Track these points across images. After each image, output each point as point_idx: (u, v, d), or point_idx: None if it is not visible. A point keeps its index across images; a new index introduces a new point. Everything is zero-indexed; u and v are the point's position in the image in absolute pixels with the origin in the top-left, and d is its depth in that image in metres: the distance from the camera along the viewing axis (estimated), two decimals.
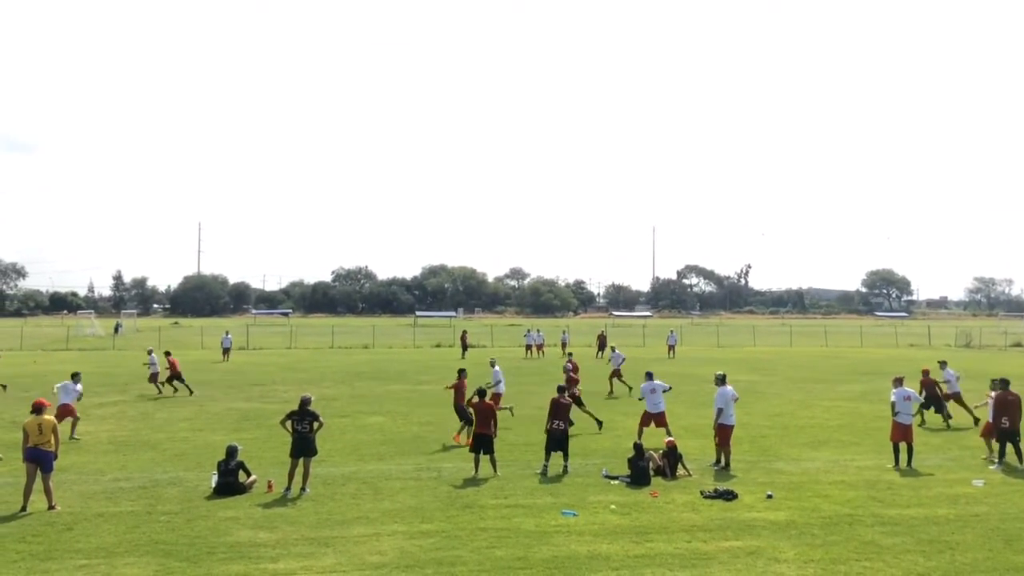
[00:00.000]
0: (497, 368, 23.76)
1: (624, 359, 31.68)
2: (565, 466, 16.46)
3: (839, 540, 12.08)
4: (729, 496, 14.49)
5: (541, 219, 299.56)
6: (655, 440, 18.06)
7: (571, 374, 25.08)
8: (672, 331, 55.96)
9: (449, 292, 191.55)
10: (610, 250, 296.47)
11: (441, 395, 29.49)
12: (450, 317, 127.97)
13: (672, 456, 16.32)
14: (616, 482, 15.66)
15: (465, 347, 51.67)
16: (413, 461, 17.72)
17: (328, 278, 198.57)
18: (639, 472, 15.64)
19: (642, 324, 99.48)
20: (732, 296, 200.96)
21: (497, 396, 22.63)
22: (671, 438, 17.14)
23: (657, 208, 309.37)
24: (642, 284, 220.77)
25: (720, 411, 16.86)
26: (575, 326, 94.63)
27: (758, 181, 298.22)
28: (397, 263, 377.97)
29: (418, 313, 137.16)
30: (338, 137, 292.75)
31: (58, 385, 21.22)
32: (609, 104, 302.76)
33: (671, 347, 52.14)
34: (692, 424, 22.50)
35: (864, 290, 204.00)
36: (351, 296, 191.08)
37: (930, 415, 23.28)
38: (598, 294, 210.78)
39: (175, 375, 29.82)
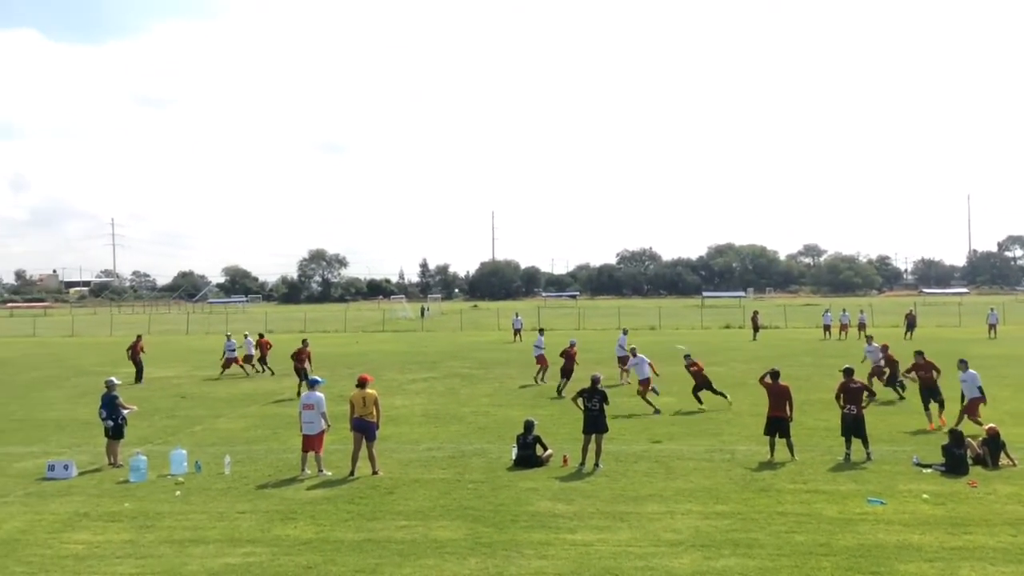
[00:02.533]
0: (641, 355, 22.82)
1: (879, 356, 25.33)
2: (867, 452, 15.57)
3: None
4: None
5: (838, 190, 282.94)
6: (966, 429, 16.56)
7: (879, 364, 23.91)
8: (992, 309, 50.63)
9: (737, 271, 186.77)
10: (918, 222, 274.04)
11: (733, 376, 28.97)
12: (739, 297, 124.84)
13: (994, 444, 14.88)
14: (929, 471, 14.55)
15: (756, 328, 50.19)
16: (705, 442, 17.60)
17: (613, 260, 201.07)
18: (955, 460, 14.43)
19: (957, 302, 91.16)
20: None
21: (644, 382, 22.03)
22: (992, 425, 15.63)
23: (972, 173, 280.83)
24: (956, 258, 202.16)
25: None
26: (879, 305, 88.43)
27: None
28: (682, 243, 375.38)
29: (705, 294, 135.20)
30: (620, 120, 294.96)
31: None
32: (910, 58, 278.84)
33: (991, 327, 47.34)
34: (1017, 409, 20.38)
35: None
36: (636, 278, 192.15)
37: None
38: (905, 270, 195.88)
39: (263, 357, 32.40)
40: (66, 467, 15.32)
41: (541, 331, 31.56)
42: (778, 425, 15.67)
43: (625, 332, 30.65)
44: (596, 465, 15.12)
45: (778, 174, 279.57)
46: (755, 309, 58.35)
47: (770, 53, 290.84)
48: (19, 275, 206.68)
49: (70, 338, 62.44)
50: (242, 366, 32.86)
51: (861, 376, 17.84)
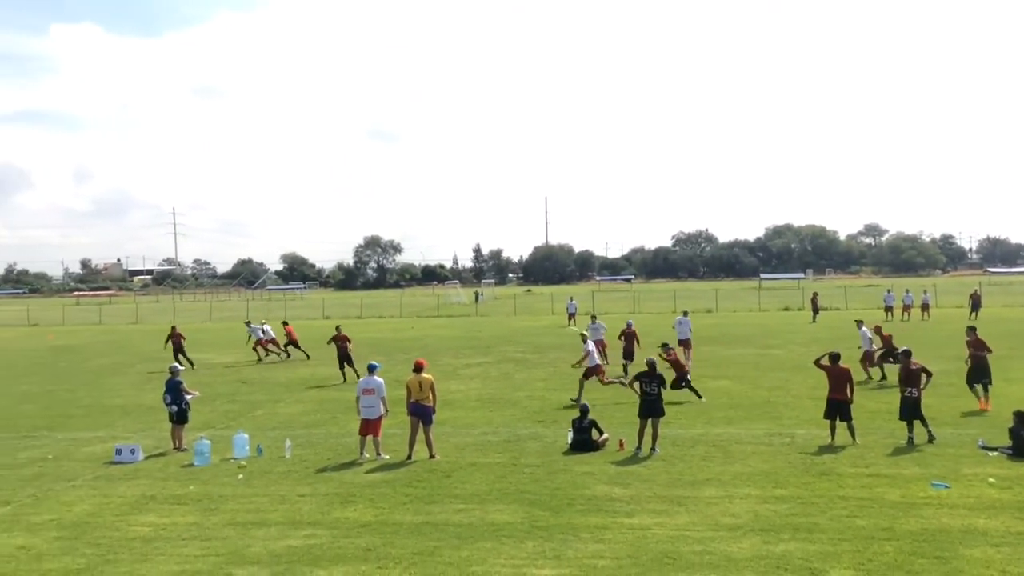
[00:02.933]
0: (590, 344, 21.90)
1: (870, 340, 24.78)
2: (929, 435, 15.23)
3: None
4: None
5: (900, 168, 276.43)
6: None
7: (871, 349, 23.91)
8: None
9: (796, 252, 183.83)
10: (983, 199, 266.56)
11: (792, 359, 28.59)
12: (798, 279, 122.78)
13: None
14: (995, 454, 14.19)
15: (816, 310, 49.35)
16: (763, 426, 17.38)
17: (668, 243, 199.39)
18: (1023, 443, 14.04)
19: None
20: None
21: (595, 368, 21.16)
22: None
23: None
24: (1023, 236, 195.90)
25: None
26: (943, 285, 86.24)
27: None
28: (738, 224, 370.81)
29: (763, 275, 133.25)
30: (675, 100, 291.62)
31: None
32: (979, 34, 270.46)
33: None
34: None
35: None
36: (692, 260, 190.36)
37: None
38: (970, 249, 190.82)
39: (292, 342, 33.04)
40: (133, 451, 15.73)
41: (594, 317, 31.29)
42: (838, 408, 15.40)
43: (685, 314, 30.26)
44: (653, 449, 15.03)
45: (837, 152, 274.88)
46: (814, 291, 57.36)
47: (830, 27, 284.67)
48: (85, 264, 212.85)
49: (134, 325, 64.02)
50: (255, 349, 33.96)
51: (852, 361, 17.26)
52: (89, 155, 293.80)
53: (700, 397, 20.61)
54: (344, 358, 25.98)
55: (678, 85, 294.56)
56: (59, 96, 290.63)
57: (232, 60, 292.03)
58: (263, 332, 34.28)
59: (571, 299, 54.51)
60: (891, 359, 22.57)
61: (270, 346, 33.98)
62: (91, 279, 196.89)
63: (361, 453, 15.15)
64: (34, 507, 12.67)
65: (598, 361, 21.46)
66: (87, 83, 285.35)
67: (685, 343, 28.12)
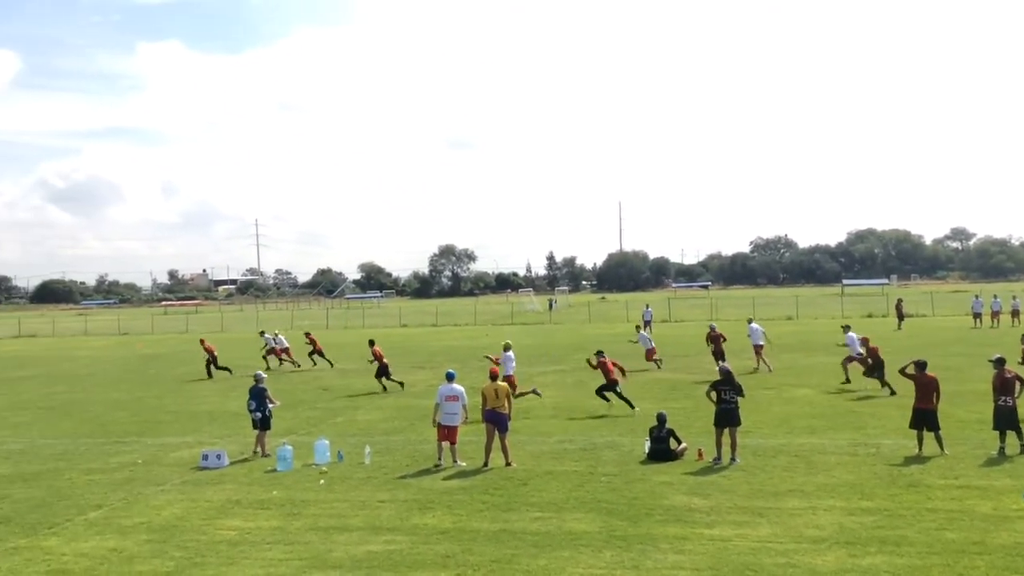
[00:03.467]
0: (510, 353, 21.86)
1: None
2: (1022, 446, 14.64)
3: None
4: None
5: (987, 170, 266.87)
6: None
7: (859, 354, 23.75)
8: None
9: (880, 258, 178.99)
10: None
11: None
12: (882, 285, 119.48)
13: None
14: None
15: (901, 316, 47.94)
16: (847, 436, 16.95)
17: (746, 249, 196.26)
18: None
19: None
20: None
21: (508, 378, 20.65)
22: None
23: None
24: None
25: None
26: None
27: None
28: (819, 229, 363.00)
29: (845, 281, 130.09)
30: (751, 104, 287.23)
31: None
32: None
33: None
34: None
35: None
36: (771, 266, 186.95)
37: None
38: None
39: (317, 351, 33.39)
40: (218, 456, 16.16)
41: (638, 328, 33.18)
42: (925, 418, 14.93)
43: (750, 321, 30.03)
44: (732, 459, 14.80)
45: (922, 153, 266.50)
46: (899, 297, 55.75)
47: (911, 26, 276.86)
48: (172, 275, 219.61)
49: (219, 334, 65.73)
50: (265, 358, 34.58)
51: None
52: (176, 169, 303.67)
53: (633, 408, 20.45)
54: (383, 371, 26.23)
55: (756, 86, 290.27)
56: (146, 112, 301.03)
57: (311, 74, 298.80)
58: (275, 341, 35.13)
59: (647, 306, 54.10)
60: (875, 374, 22.50)
61: (283, 355, 34.84)
62: (178, 289, 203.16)
63: (439, 459, 15.28)
64: (125, 510, 13.11)
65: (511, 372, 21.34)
66: (172, 99, 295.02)
67: (757, 348, 28.34)
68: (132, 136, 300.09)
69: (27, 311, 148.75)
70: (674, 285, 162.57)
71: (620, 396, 20.71)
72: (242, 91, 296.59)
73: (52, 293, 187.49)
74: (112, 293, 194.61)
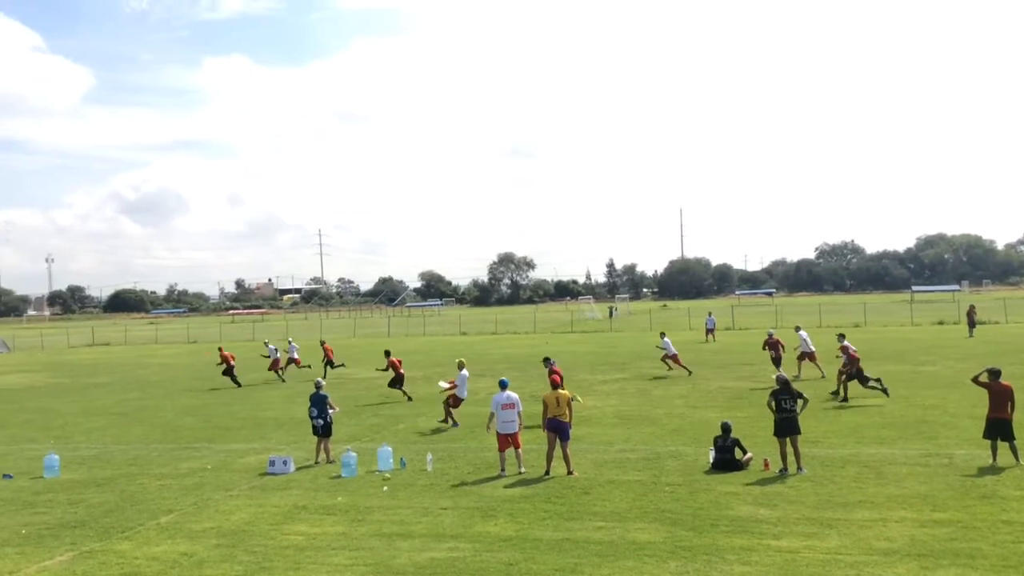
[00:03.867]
0: (464, 372, 21.70)
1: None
2: None
3: None
4: None
5: None
6: None
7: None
8: None
9: (950, 263, 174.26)
10: None
11: (947, 375, 27.07)
12: (953, 291, 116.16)
13: None
14: None
15: (972, 324, 46.55)
16: (918, 446, 16.50)
17: (811, 255, 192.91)
18: None
19: None
20: None
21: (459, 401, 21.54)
22: None
23: None
24: None
25: None
26: None
27: None
28: (887, 235, 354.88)
29: (914, 288, 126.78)
30: (815, 106, 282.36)
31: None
32: None
33: None
34: None
35: None
36: (837, 272, 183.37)
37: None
38: None
39: (329, 360, 33.85)
40: (285, 463, 16.42)
41: (662, 334, 33.29)
42: (1000, 427, 14.47)
43: (798, 329, 30.55)
44: (799, 468, 14.53)
45: (993, 156, 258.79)
46: (971, 303, 54.17)
47: (990, 24, 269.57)
48: (239, 284, 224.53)
49: (283, 342, 66.86)
50: (275, 370, 34.97)
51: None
52: (241, 180, 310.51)
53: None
54: (398, 380, 26.63)
55: (822, 87, 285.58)
56: (212, 125, 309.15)
57: (371, 85, 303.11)
58: (277, 352, 35.81)
59: (710, 314, 53.48)
60: (858, 379, 22.86)
61: (291, 365, 35.63)
62: (244, 298, 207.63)
63: (503, 468, 15.25)
64: (195, 515, 13.39)
65: (465, 395, 21.57)
66: (237, 112, 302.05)
67: (810, 355, 28.62)
68: (199, 148, 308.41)
69: (101, 320, 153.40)
70: (737, 292, 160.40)
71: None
72: (304, 103, 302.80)
73: (124, 302, 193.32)
74: (182, 302, 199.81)
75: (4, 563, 11.15)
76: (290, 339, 39.51)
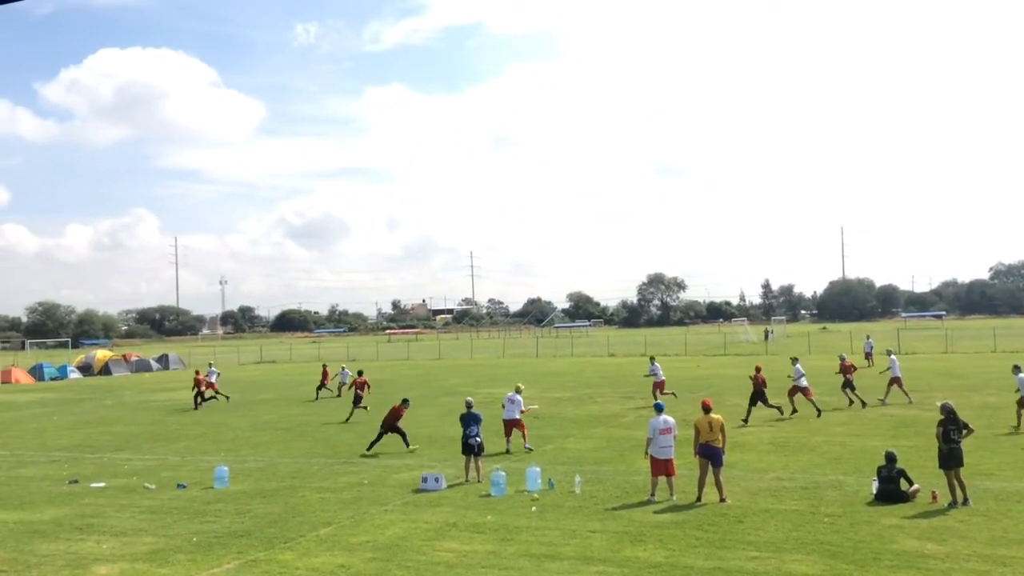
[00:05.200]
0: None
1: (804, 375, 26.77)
2: None
3: None
4: None
5: None
6: None
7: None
8: None
9: None
10: None
11: None
12: None
13: None
14: None
15: None
16: None
17: (985, 275, 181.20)
18: None
19: None
20: None
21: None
22: None
23: None
24: None
25: None
26: None
27: None
28: None
29: None
30: (984, 113, 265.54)
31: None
32: None
33: None
34: None
35: None
36: (1014, 294, 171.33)
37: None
38: None
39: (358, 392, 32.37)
40: (437, 479, 16.79)
41: (652, 358, 33.30)
42: None
43: (889, 352, 30.99)
44: (965, 500, 13.70)
45: None
46: None
47: None
48: (395, 305, 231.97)
49: (437, 361, 68.53)
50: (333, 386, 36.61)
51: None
52: (399, 204, 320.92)
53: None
54: (357, 400, 29.18)
55: (991, 97, 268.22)
56: (372, 152, 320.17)
57: (522, 109, 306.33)
58: (342, 374, 37.17)
59: (868, 337, 51.10)
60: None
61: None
62: (400, 318, 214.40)
63: (652, 493, 15.03)
64: (352, 528, 13.88)
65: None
66: (396, 139, 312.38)
67: (898, 381, 28.78)
68: (360, 175, 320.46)
69: (268, 338, 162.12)
70: (904, 315, 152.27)
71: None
72: (459, 129, 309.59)
73: (290, 322, 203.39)
74: (342, 322, 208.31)
75: (176, 569, 11.89)
76: (211, 363, 41.06)
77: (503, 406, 21.83)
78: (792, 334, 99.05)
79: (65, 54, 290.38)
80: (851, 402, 27.45)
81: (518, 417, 21.33)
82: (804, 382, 26.41)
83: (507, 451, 20.80)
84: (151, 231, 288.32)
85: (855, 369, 28.64)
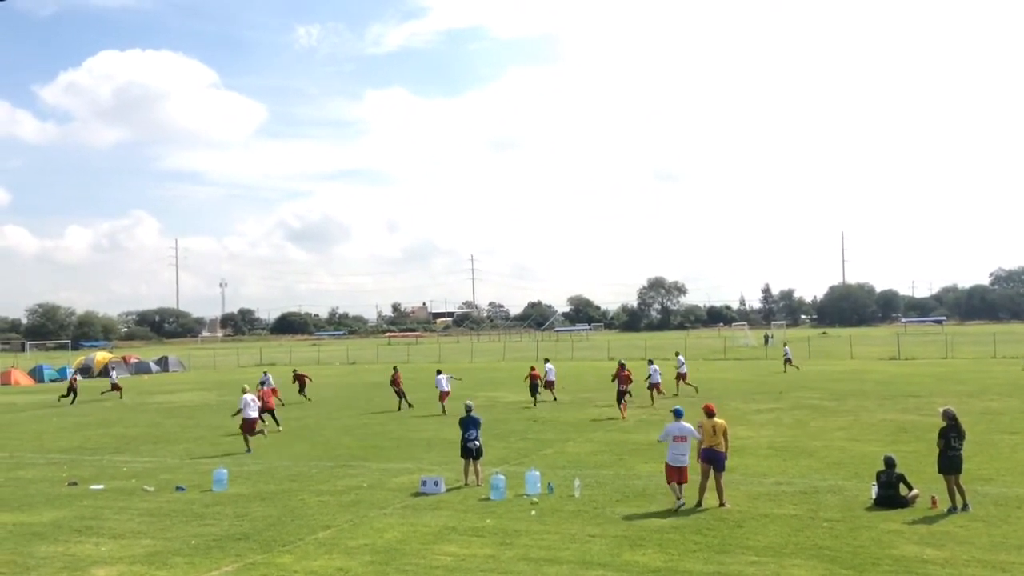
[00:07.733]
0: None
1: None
2: None
3: None
4: None
5: None
6: None
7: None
8: None
9: None
10: None
11: None
12: None
13: None
14: None
15: None
16: None
17: (985, 280, 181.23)
18: None
19: None
20: None
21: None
22: None
23: None
24: None
25: None
26: None
27: None
28: None
29: None
30: (986, 118, 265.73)
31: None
32: None
33: None
34: None
35: None
36: (1014, 299, 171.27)
37: None
38: None
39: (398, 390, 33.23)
40: (436, 483, 16.78)
41: (650, 361, 34.62)
42: None
43: (654, 362, 33.31)
44: (964, 505, 13.71)
45: None
46: None
47: None
48: (395, 307, 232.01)
49: (437, 363, 68.50)
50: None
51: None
52: (399, 207, 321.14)
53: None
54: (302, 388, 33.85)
55: (993, 103, 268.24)
56: (372, 155, 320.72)
57: (522, 113, 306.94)
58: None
59: (785, 344, 51.51)
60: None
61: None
62: (400, 321, 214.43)
63: (678, 498, 14.65)
64: (351, 531, 13.86)
65: (254, 415, 23.90)
66: (396, 142, 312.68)
67: (656, 387, 31.82)
68: (360, 177, 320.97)
69: (268, 341, 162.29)
70: (904, 320, 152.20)
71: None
72: (459, 131, 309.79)
73: (290, 324, 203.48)
74: (342, 325, 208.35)
75: (174, 572, 11.87)
76: (266, 372, 41.04)
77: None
78: (792, 338, 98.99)
79: (65, 56, 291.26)
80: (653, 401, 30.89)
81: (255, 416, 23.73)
82: (657, 378, 31.48)
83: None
84: (151, 233, 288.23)
85: (631, 380, 28.58)
